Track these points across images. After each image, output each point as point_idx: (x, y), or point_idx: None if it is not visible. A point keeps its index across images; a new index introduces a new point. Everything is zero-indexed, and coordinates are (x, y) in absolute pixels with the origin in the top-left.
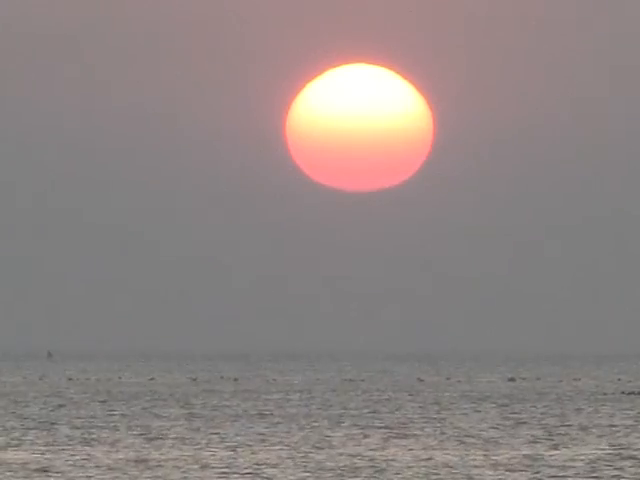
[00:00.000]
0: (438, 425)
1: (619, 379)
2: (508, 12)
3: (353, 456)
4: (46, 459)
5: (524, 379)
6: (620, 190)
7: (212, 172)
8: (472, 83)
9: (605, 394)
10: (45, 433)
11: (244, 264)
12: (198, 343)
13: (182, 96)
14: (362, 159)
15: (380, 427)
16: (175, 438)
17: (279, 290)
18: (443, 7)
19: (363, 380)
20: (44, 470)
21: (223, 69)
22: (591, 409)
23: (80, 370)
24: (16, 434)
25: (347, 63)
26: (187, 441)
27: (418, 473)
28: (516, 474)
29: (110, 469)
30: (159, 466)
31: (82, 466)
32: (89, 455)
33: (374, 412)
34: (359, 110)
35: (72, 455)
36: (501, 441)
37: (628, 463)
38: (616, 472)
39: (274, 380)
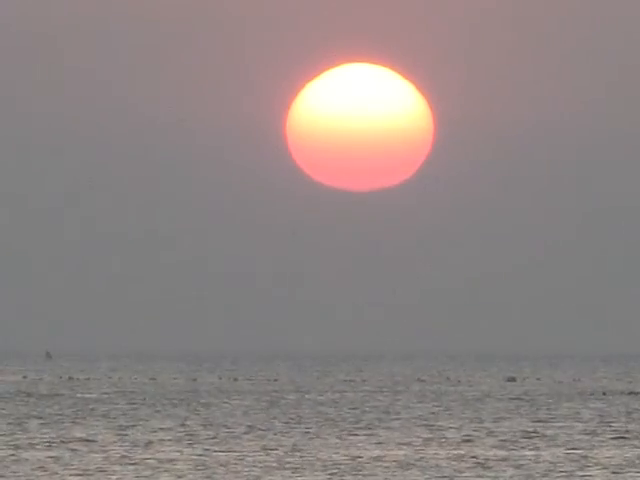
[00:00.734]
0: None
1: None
2: (509, 12)
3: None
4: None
5: (525, 379)
6: (621, 190)
7: (212, 172)
8: (473, 83)
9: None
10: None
11: (244, 264)
12: (198, 343)
13: (182, 96)
14: (362, 159)
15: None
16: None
17: (279, 290)
18: (444, 7)
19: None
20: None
21: (223, 68)
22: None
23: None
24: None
25: (347, 62)
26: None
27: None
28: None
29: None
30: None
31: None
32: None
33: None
34: (359, 110)
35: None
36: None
37: None
38: None
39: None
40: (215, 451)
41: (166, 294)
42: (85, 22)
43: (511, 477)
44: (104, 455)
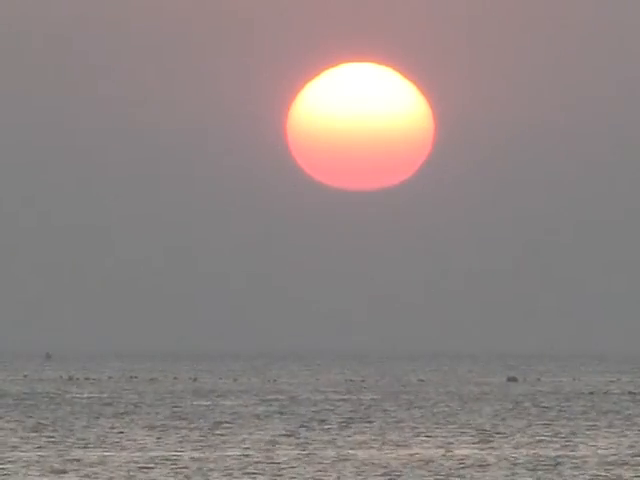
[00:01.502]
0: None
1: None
2: (511, 12)
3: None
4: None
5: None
6: (622, 190)
7: (213, 172)
8: (474, 83)
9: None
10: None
11: (244, 264)
12: (199, 343)
13: (182, 97)
14: (363, 158)
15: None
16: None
17: (280, 290)
18: (446, 7)
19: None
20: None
21: (223, 68)
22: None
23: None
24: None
25: (348, 62)
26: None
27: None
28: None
29: None
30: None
31: None
32: None
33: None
34: (360, 109)
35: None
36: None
37: None
38: None
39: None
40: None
41: (166, 294)
42: (85, 22)
43: None
44: None
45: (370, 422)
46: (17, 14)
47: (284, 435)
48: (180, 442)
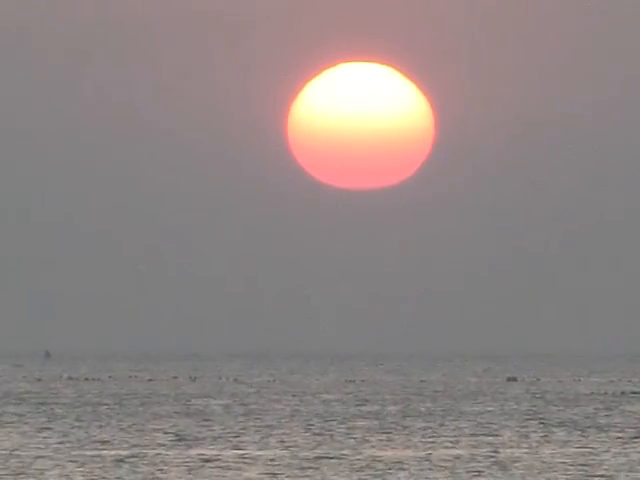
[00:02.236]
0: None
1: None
2: (511, 13)
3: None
4: None
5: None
6: (623, 190)
7: (213, 172)
8: (474, 83)
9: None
10: None
11: (244, 263)
12: (199, 343)
13: (182, 97)
14: (363, 158)
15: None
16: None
17: (281, 289)
18: (447, 7)
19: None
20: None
21: (223, 68)
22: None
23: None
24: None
25: (349, 61)
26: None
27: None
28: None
29: None
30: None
31: None
32: None
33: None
34: (360, 109)
35: None
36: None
37: None
38: None
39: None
40: None
41: (166, 294)
42: (85, 23)
43: None
44: None
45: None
46: (17, 14)
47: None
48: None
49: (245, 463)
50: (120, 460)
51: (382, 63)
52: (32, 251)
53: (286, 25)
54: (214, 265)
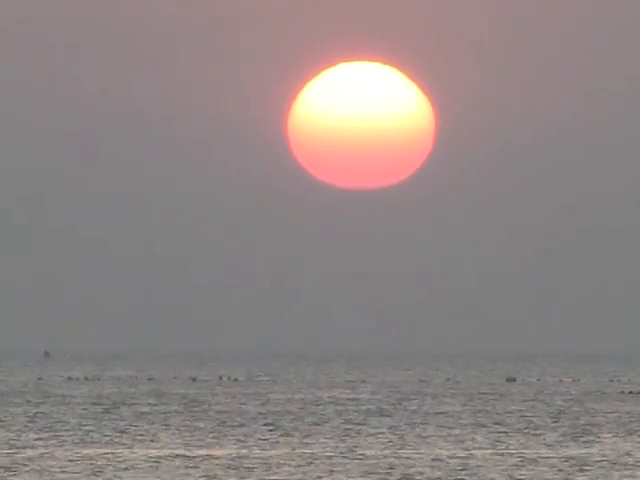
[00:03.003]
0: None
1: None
2: (514, 13)
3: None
4: None
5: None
6: (623, 191)
7: (213, 173)
8: (476, 83)
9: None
10: None
11: (244, 263)
12: (200, 343)
13: (182, 97)
14: (364, 158)
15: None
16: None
17: (280, 289)
18: (449, 7)
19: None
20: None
21: (224, 67)
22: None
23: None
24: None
25: (350, 61)
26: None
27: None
28: None
29: None
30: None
31: None
32: None
33: None
34: (361, 109)
35: None
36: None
37: None
38: None
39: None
40: None
41: (166, 293)
42: (85, 22)
43: None
44: None
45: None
46: (17, 14)
47: None
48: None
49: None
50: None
51: (384, 63)
52: (32, 251)
53: (287, 24)
54: (214, 265)
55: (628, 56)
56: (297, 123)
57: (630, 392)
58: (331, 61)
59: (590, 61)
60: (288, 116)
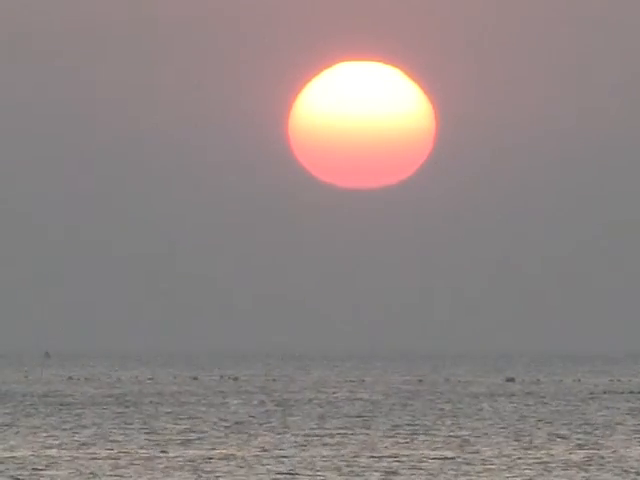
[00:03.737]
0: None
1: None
2: (515, 14)
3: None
4: None
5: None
6: (623, 190)
7: (214, 173)
8: (477, 84)
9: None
10: None
11: (244, 263)
12: (199, 343)
13: (182, 98)
14: (365, 158)
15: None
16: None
17: (282, 289)
18: (451, 8)
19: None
20: None
21: (224, 68)
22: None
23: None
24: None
25: (351, 60)
26: None
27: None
28: None
29: None
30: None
31: None
32: None
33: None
34: (363, 109)
35: None
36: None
37: None
38: None
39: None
40: None
41: (167, 293)
42: (85, 23)
43: None
44: None
45: None
46: (17, 14)
47: None
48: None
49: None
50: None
51: (385, 63)
52: (32, 251)
53: (287, 25)
54: (214, 265)
55: (629, 56)
56: (298, 123)
57: None
58: (331, 61)
59: (591, 60)
60: (289, 116)
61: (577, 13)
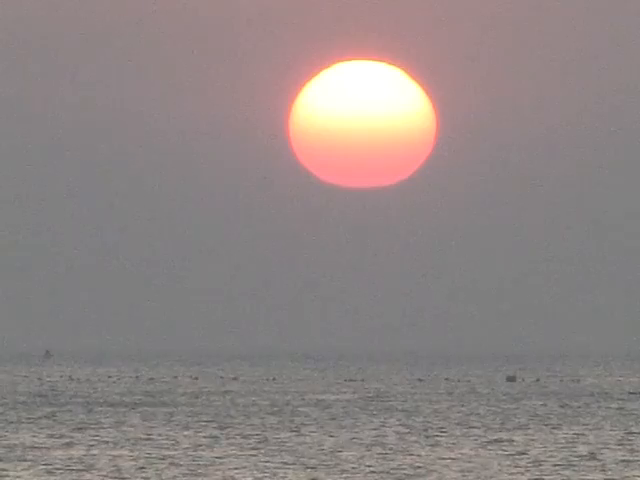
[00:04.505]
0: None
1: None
2: (517, 16)
3: None
4: None
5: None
6: (623, 190)
7: (215, 173)
8: (478, 86)
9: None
10: None
11: (244, 263)
12: (200, 343)
13: (182, 99)
14: (365, 157)
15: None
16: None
17: (280, 288)
18: (453, 9)
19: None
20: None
21: (224, 68)
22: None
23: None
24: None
25: (352, 59)
26: None
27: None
28: None
29: None
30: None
31: None
32: None
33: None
34: (363, 108)
35: None
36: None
37: None
38: None
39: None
40: None
41: (167, 293)
42: (86, 23)
43: None
44: None
45: None
46: (16, 15)
47: None
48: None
49: None
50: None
51: (387, 63)
52: (33, 252)
53: (287, 25)
54: (214, 265)
55: (629, 55)
56: (298, 123)
57: None
58: (331, 61)
59: (591, 61)
60: (289, 116)
61: (577, 13)
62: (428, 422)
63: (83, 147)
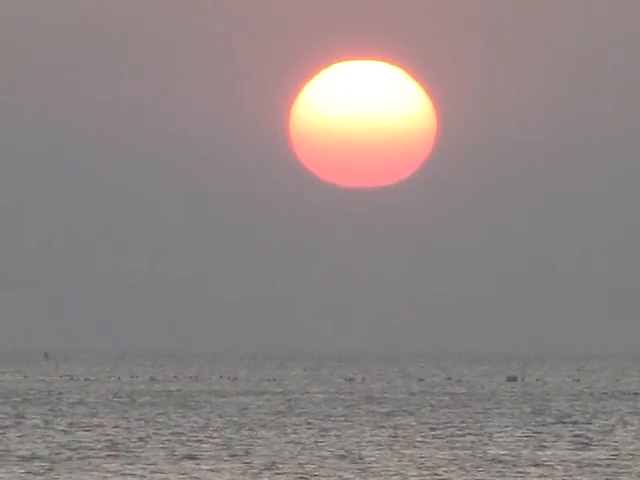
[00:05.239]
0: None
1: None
2: (517, 16)
3: None
4: None
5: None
6: (623, 193)
7: (215, 174)
8: (479, 85)
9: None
10: None
11: (244, 263)
12: (200, 343)
13: (182, 99)
14: (366, 157)
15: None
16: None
17: (281, 287)
18: (451, 9)
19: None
20: None
21: (224, 68)
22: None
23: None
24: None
25: (353, 59)
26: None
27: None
28: None
29: None
30: None
31: None
32: None
33: None
34: (364, 108)
35: None
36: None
37: None
38: None
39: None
40: None
41: (167, 293)
42: (86, 24)
43: None
44: None
45: None
46: (16, 14)
47: None
48: None
49: None
50: None
51: (387, 62)
52: (32, 252)
53: (286, 25)
54: (214, 264)
55: (629, 55)
56: (298, 123)
57: None
58: (331, 61)
59: (591, 60)
60: (289, 115)
61: (577, 14)
62: (428, 422)
63: (83, 147)
